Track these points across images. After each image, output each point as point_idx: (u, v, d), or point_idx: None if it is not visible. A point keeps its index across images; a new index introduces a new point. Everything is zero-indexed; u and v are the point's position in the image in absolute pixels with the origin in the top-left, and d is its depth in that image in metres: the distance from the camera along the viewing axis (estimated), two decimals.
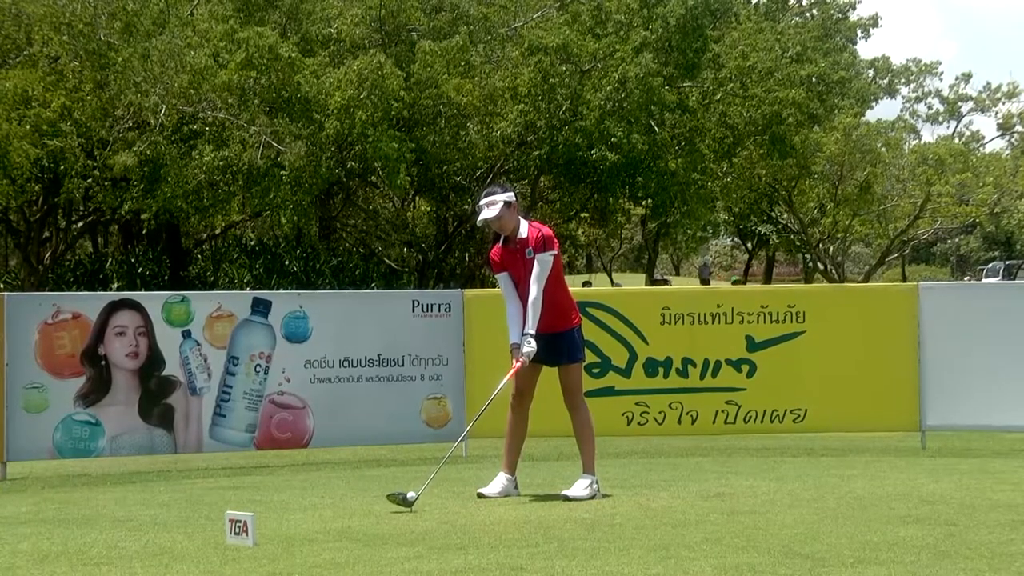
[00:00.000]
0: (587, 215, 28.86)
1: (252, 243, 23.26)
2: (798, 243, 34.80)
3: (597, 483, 6.04)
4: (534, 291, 5.93)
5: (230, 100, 18.83)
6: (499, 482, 6.15)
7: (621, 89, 20.98)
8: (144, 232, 22.94)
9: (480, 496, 6.07)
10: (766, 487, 6.39)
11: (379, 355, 8.43)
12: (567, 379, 6.10)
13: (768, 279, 41.31)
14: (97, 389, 7.99)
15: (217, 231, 25.53)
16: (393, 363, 8.44)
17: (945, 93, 37.54)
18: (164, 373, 8.10)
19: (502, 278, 6.10)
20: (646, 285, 31.39)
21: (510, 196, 6.06)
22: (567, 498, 5.91)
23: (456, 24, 21.51)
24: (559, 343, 6.06)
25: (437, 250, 23.29)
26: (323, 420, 8.36)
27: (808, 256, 35.74)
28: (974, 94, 37.65)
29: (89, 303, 8.22)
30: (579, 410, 6.08)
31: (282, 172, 18.95)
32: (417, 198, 25.25)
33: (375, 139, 18.95)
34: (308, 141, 19.05)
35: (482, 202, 6.06)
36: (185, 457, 8.43)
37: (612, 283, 37.44)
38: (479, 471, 7.13)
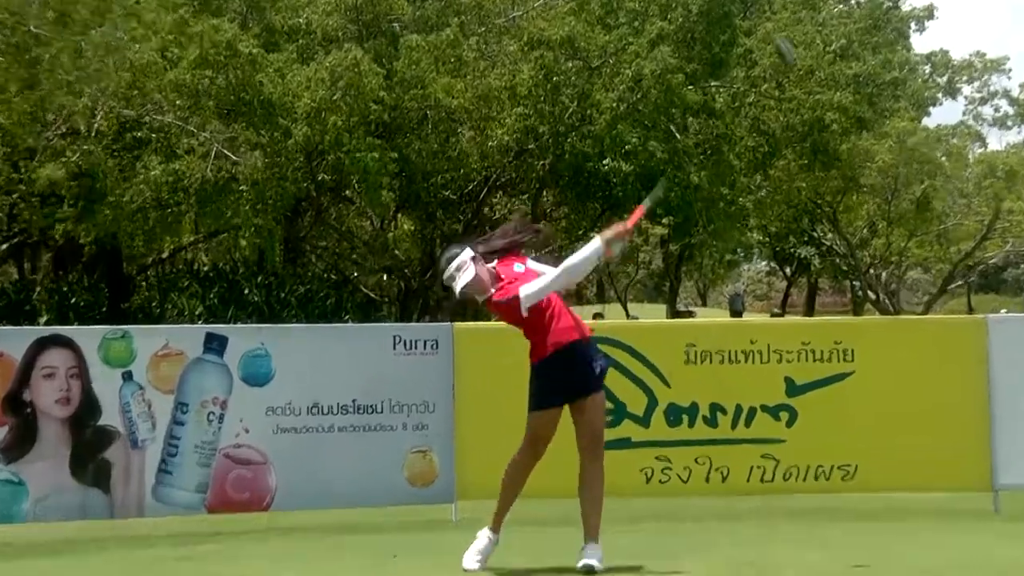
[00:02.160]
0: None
1: (205, 269, 23.07)
2: (845, 268, 34.93)
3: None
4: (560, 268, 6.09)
5: (179, 103, 18.83)
6: (483, 545, 6.09)
7: (636, 89, 20.78)
8: (79, 257, 22.84)
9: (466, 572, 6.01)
10: (811, 557, 6.33)
11: (354, 400, 8.37)
12: None
13: (810, 310, 41.47)
14: (21, 442, 7.87)
15: (164, 255, 25.34)
16: (371, 410, 8.39)
17: (1015, 93, 37.72)
18: (100, 423, 7.99)
19: None
20: (668, 318, 31.22)
21: (469, 252, 6.15)
22: (592, 569, 5.86)
23: (445, 14, 21.41)
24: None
25: (422, 277, 22.89)
26: (288, 477, 8.25)
27: (857, 284, 36.13)
28: None
29: (12, 340, 8.09)
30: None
31: (241, 188, 18.92)
32: (399, 216, 24.94)
33: (351, 148, 18.85)
34: (271, 150, 18.97)
35: (451, 269, 6.10)
36: (124, 522, 8.30)
37: (627, 315, 37.38)
38: (472, 538, 7.03)
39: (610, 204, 23.09)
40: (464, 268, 6.02)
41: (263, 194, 18.96)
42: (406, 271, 23.80)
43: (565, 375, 6.00)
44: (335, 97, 18.90)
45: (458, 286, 6.03)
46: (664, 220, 24.76)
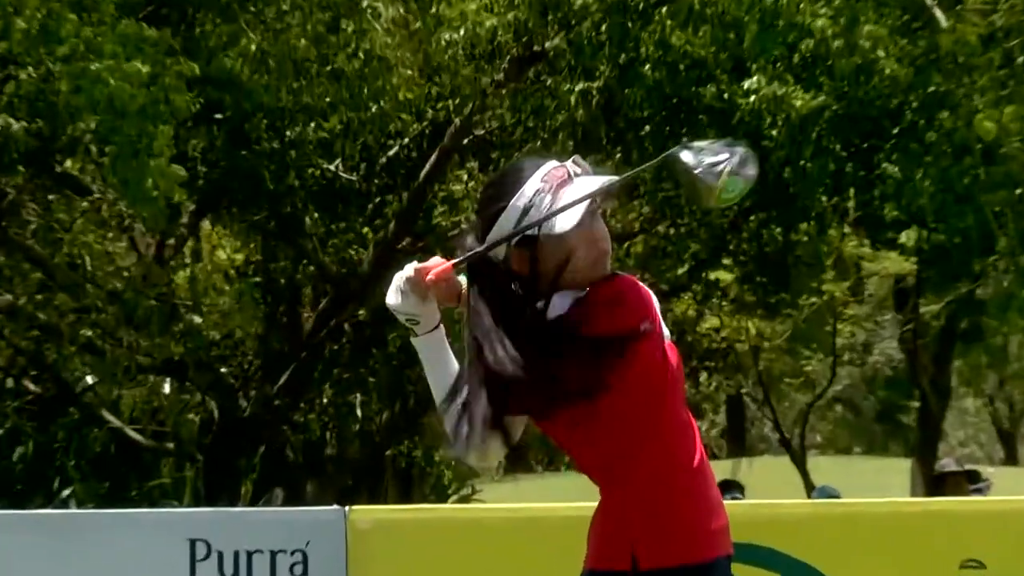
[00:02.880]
0: (730, 276, 16.25)
1: None
2: None
3: None
4: None
5: None
6: None
7: None
8: None
9: None
10: None
11: None
12: None
13: None
14: None
15: None
16: None
17: None
18: None
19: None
20: (917, 494, 17.68)
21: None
22: None
23: None
24: None
25: (262, 387, 13.59)
26: None
27: None
28: None
29: None
30: None
31: None
32: (207, 227, 15.21)
33: (79, 51, 12.08)
34: None
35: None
36: None
37: (808, 489, 21.84)
38: None
39: (760, 198, 12.54)
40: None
41: None
42: (225, 370, 14.09)
43: None
44: None
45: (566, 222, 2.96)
46: (900, 238, 13.77)
